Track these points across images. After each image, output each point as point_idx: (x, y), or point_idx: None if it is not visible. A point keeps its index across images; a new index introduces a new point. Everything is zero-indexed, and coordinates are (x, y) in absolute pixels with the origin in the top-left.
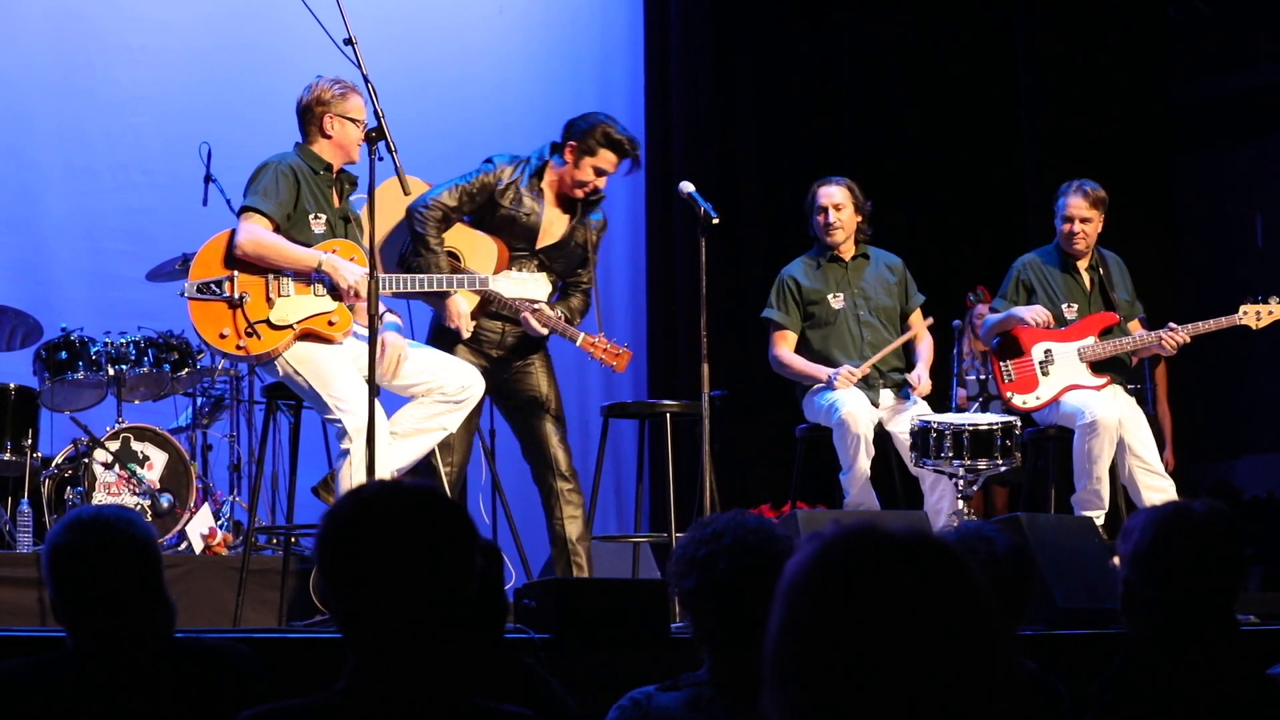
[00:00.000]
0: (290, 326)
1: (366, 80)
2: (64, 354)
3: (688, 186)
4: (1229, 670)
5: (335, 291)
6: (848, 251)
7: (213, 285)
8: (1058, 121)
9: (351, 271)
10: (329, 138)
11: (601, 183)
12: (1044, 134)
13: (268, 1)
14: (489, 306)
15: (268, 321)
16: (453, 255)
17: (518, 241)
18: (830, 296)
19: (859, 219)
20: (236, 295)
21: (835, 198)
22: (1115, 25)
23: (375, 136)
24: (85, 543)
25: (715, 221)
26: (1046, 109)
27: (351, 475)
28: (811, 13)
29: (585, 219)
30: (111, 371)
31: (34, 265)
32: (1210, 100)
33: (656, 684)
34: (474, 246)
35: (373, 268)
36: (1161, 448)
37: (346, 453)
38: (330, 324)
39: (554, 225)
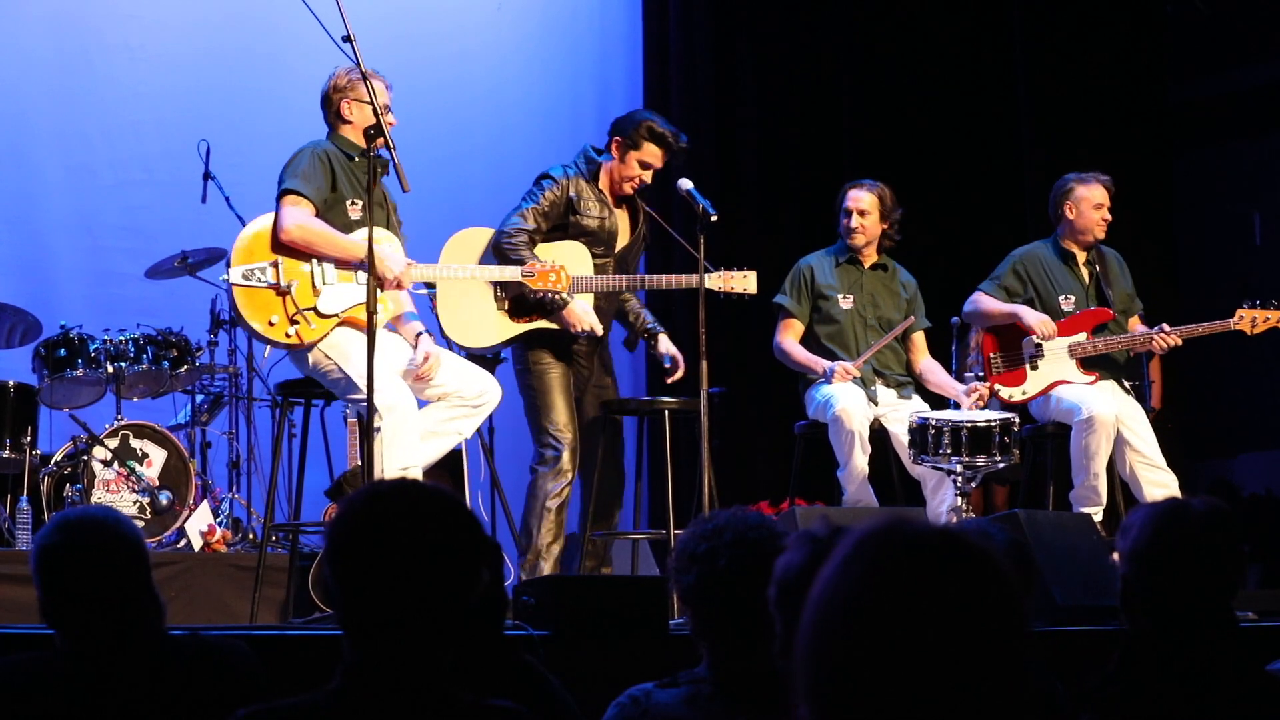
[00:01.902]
0: (336, 315)
1: (365, 78)
2: (63, 351)
3: (686, 183)
4: (1228, 667)
5: (379, 282)
6: (868, 258)
7: (257, 272)
8: (1056, 118)
9: (397, 263)
10: (349, 123)
11: (648, 177)
12: (1043, 131)
13: (266, 2)
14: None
15: (315, 309)
16: None
17: (595, 248)
18: (841, 297)
19: (884, 226)
20: (284, 283)
21: (862, 203)
22: (1113, 23)
23: (374, 134)
24: (73, 543)
25: (713, 219)
26: (1045, 106)
27: (384, 452)
28: (811, 10)
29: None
30: (110, 369)
31: (33, 263)
32: (1208, 98)
33: (655, 681)
34: (565, 256)
35: (371, 262)
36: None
37: (378, 430)
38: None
39: (622, 225)
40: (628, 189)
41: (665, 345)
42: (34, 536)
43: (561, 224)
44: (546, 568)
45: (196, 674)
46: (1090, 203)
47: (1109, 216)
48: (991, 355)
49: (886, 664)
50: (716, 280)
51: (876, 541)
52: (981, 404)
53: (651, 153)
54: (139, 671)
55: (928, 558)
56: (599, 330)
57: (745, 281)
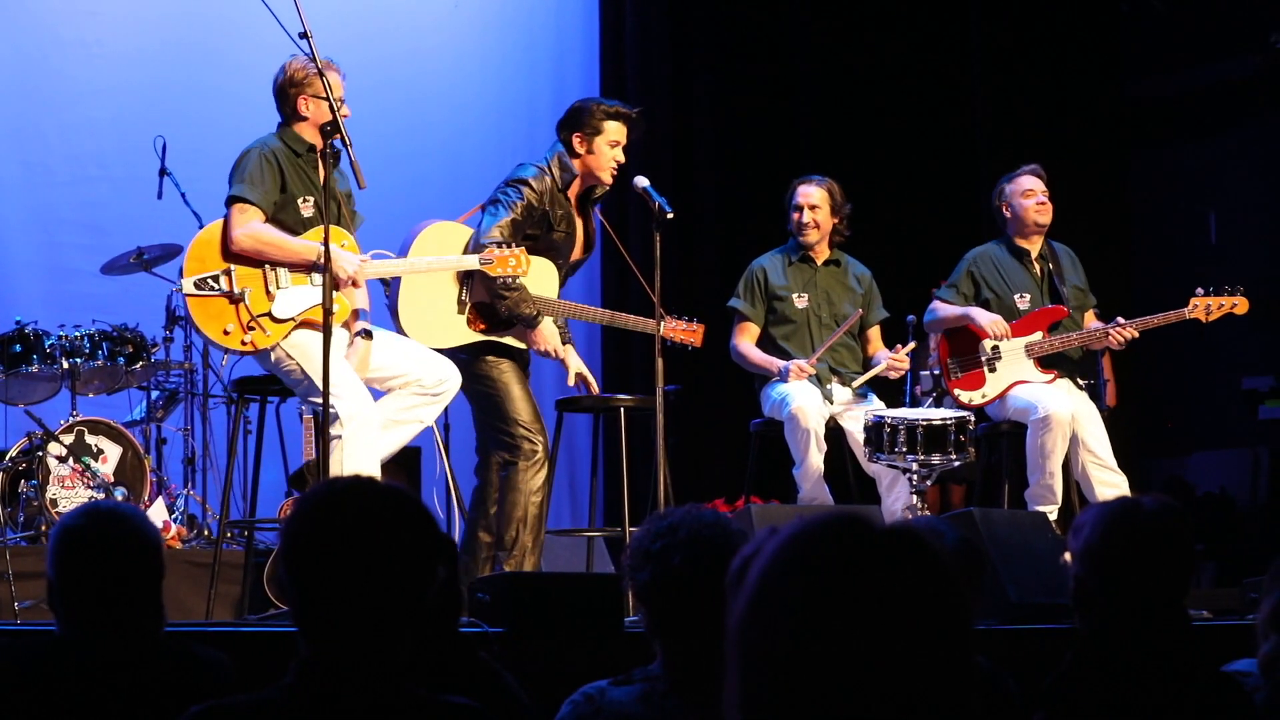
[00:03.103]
0: (292, 319)
1: (321, 74)
2: (18, 347)
3: (642, 181)
4: (1181, 665)
5: (334, 281)
6: (821, 254)
7: (209, 281)
8: (1013, 117)
9: (350, 262)
10: (305, 119)
11: (621, 155)
12: (1000, 130)
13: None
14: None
15: (270, 315)
16: None
17: (559, 258)
18: (795, 296)
19: (835, 221)
20: (237, 290)
21: (812, 198)
22: (1069, 22)
23: (330, 130)
24: (96, 530)
25: (670, 216)
26: (1002, 105)
27: (344, 460)
28: (768, 8)
29: (593, 210)
30: (66, 365)
31: None
32: (1164, 97)
33: (609, 678)
34: (533, 273)
35: (328, 258)
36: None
37: (337, 438)
38: (329, 313)
39: (581, 234)
40: (608, 176)
41: (574, 362)
42: (58, 520)
43: (532, 233)
44: (529, 565)
45: (180, 683)
46: (1018, 193)
47: (1045, 201)
48: (949, 360)
49: (813, 657)
50: (665, 329)
51: (807, 534)
52: (896, 375)
53: (616, 130)
54: (126, 672)
55: (860, 549)
56: (562, 355)
57: (693, 336)
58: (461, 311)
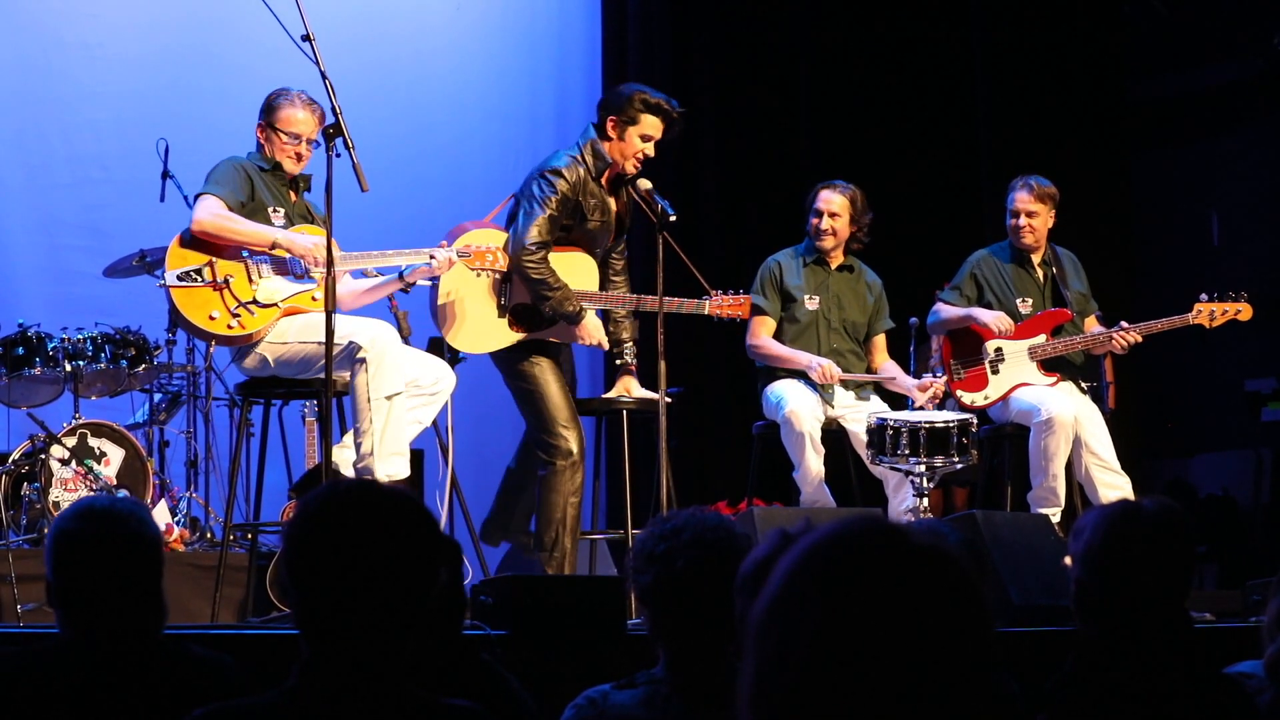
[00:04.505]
0: (276, 305)
1: (324, 76)
2: (21, 349)
3: (645, 184)
4: (1182, 668)
5: (306, 270)
6: (835, 259)
7: (192, 273)
8: (1015, 120)
9: (305, 239)
10: (263, 145)
11: (650, 150)
12: (1001, 132)
13: (225, 1)
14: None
15: (255, 301)
16: None
17: (595, 247)
18: (806, 297)
19: (853, 229)
20: (220, 278)
21: (833, 205)
22: (1071, 23)
23: (332, 133)
24: (88, 532)
25: (672, 219)
26: (1004, 107)
27: (370, 382)
28: (770, 12)
29: (623, 190)
30: (69, 367)
31: None
32: (1166, 98)
33: (612, 682)
34: (571, 268)
35: (329, 262)
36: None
37: (362, 361)
38: (314, 299)
39: (616, 218)
40: (631, 167)
41: (625, 384)
42: (55, 519)
43: (565, 224)
44: (568, 568)
45: (183, 684)
46: (1009, 209)
47: (1025, 223)
48: (952, 361)
49: (830, 664)
50: (714, 305)
51: (840, 539)
52: (936, 400)
53: (651, 124)
54: (129, 672)
55: (892, 561)
56: (606, 345)
57: (740, 308)
58: (501, 315)
